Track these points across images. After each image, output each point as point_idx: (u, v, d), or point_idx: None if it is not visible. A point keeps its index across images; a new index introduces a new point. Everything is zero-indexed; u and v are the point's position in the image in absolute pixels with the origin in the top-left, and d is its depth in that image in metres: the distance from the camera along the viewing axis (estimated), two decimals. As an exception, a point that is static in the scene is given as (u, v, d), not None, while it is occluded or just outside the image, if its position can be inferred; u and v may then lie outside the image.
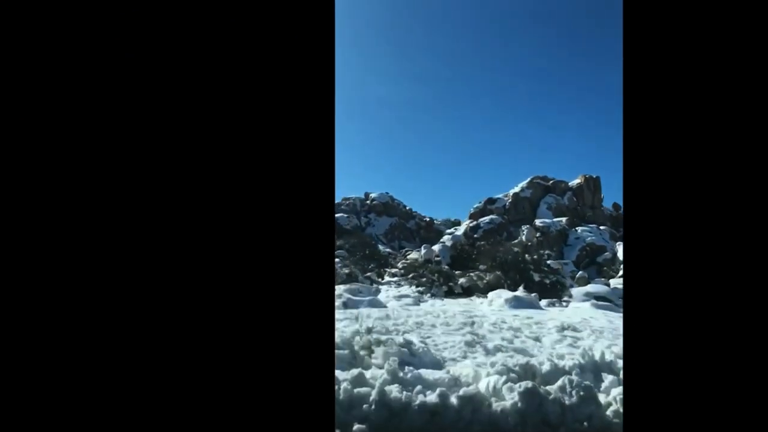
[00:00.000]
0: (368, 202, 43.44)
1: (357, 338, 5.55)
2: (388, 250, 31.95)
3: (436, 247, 24.95)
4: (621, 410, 3.68)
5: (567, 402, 3.74)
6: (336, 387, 3.74)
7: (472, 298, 15.43)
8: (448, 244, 25.33)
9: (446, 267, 20.37)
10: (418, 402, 3.66)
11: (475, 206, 31.53)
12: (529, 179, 32.84)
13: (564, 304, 13.58)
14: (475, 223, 29.00)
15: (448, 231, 30.84)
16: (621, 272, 18.69)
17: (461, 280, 17.30)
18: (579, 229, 25.63)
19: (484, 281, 16.92)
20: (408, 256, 26.24)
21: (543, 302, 13.15)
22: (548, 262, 18.19)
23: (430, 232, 41.31)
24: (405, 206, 44.58)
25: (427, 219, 44.54)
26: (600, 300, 13.05)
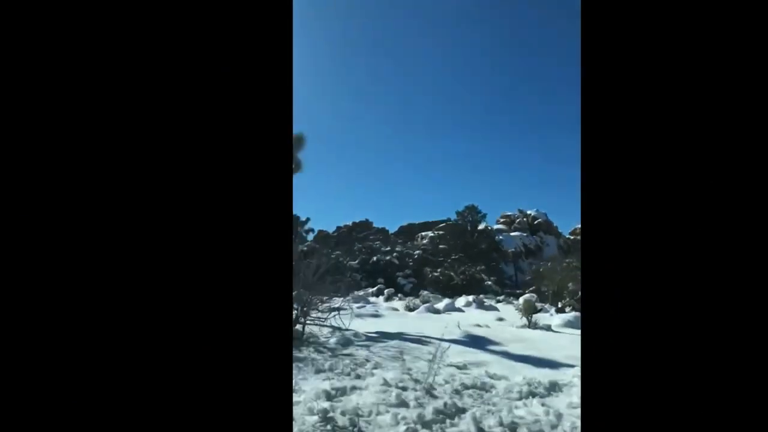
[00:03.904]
0: (525, 219, 42.90)
1: None
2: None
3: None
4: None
5: None
6: None
7: None
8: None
9: None
10: None
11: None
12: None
13: None
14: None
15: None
16: None
17: None
18: None
19: None
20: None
21: None
22: None
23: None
24: (553, 224, 44.29)
25: (571, 238, 44.26)
26: None
